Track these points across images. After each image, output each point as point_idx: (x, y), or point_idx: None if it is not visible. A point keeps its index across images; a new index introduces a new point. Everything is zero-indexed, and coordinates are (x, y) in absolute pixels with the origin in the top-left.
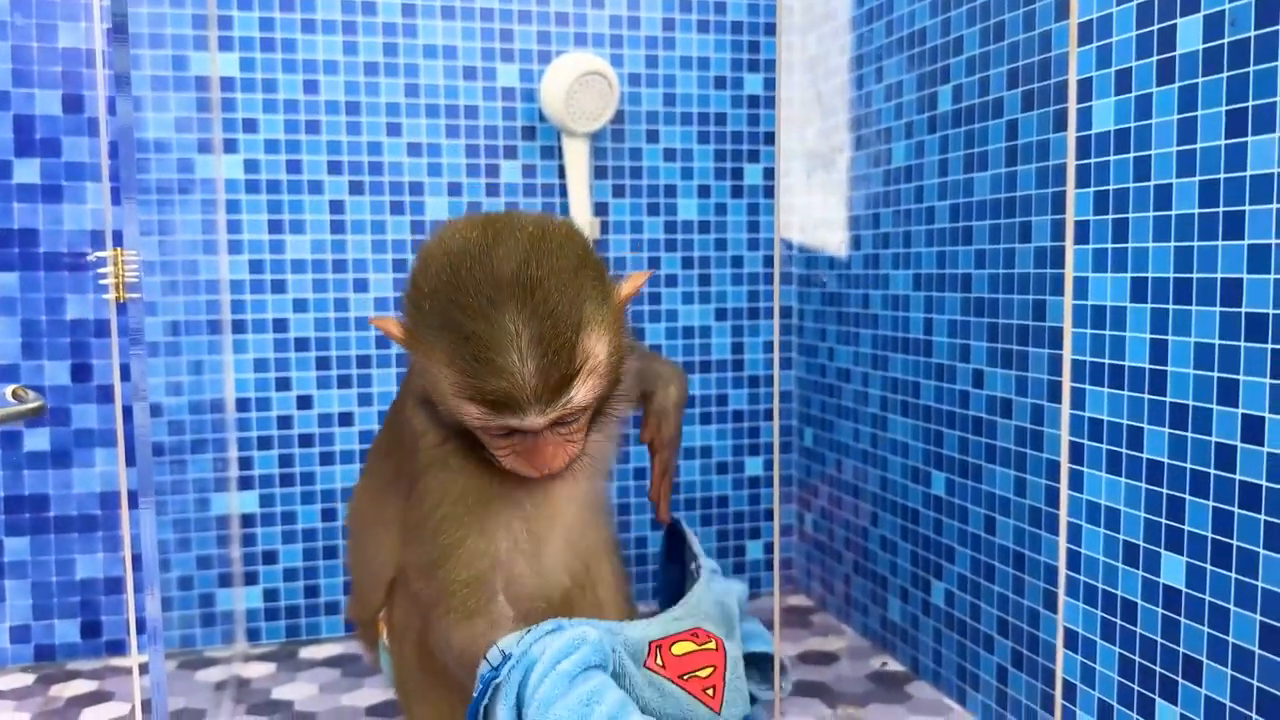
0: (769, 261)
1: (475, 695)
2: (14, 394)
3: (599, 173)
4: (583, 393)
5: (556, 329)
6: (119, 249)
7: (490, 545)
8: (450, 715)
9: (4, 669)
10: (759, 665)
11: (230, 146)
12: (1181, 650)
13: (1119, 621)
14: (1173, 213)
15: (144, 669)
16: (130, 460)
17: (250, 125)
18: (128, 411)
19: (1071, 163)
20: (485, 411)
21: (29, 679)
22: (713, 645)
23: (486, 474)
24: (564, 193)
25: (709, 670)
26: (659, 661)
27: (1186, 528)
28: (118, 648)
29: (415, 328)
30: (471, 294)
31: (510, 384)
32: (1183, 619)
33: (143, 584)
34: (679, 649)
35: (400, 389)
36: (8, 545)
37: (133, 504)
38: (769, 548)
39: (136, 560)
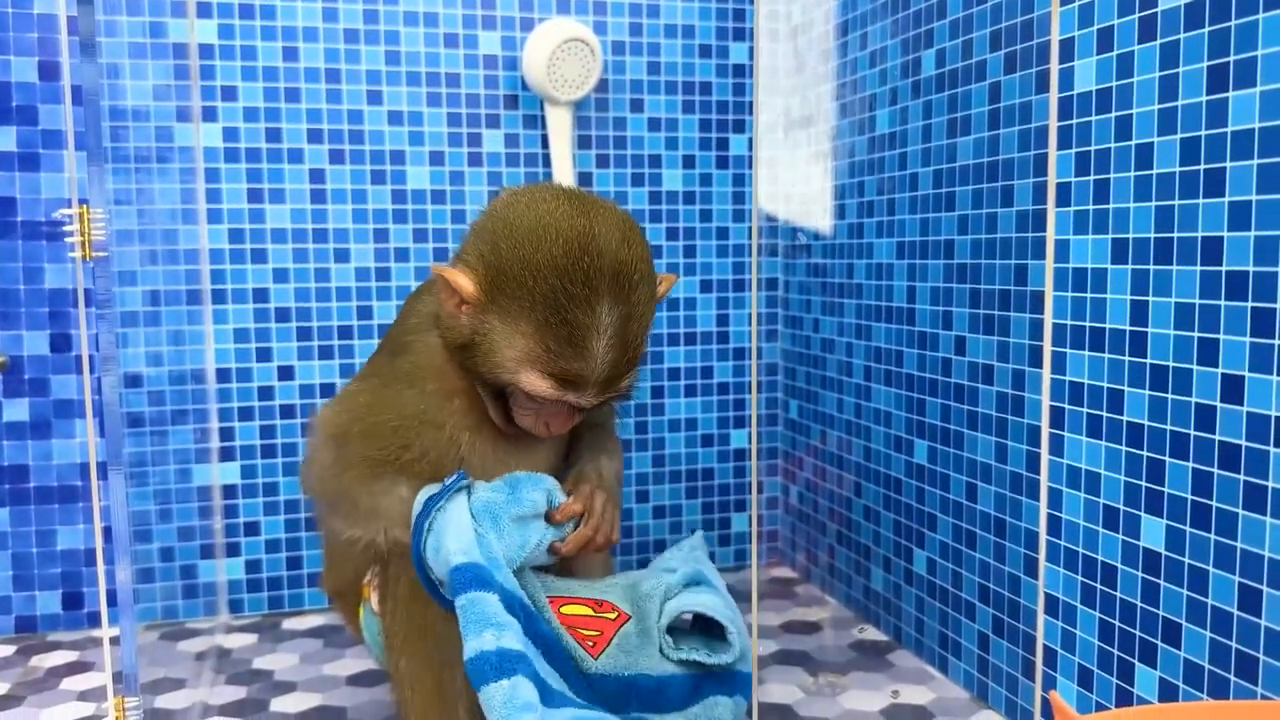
0: (753, 233)
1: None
2: None
3: (582, 142)
4: (627, 383)
5: (639, 326)
6: (85, 206)
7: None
8: (438, 670)
9: None
10: (707, 631)
11: (209, 114)
12: (1161, 614)
13: (1099, 586)
14: (1153, 172)
15: (116, 641)
16: (102, 430)
17: (229, 93)
18: (101, 382)
19: (1053, 124)
20: (554, 386)
21: (9, 650)
22: (613, 616)
23: (486, 430)
24: (547, 162)
25: (597, 632)
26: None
27: (1166, 490)
28: (99, 619)
29: (497, 292)
30: (581, 281)
31: (589, 368)
32: (1162, 582)
33: (112, 555)
34: (569, 610)
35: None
36: None
37: (103, 474)
38: (753, 520)
39: (108, 533)
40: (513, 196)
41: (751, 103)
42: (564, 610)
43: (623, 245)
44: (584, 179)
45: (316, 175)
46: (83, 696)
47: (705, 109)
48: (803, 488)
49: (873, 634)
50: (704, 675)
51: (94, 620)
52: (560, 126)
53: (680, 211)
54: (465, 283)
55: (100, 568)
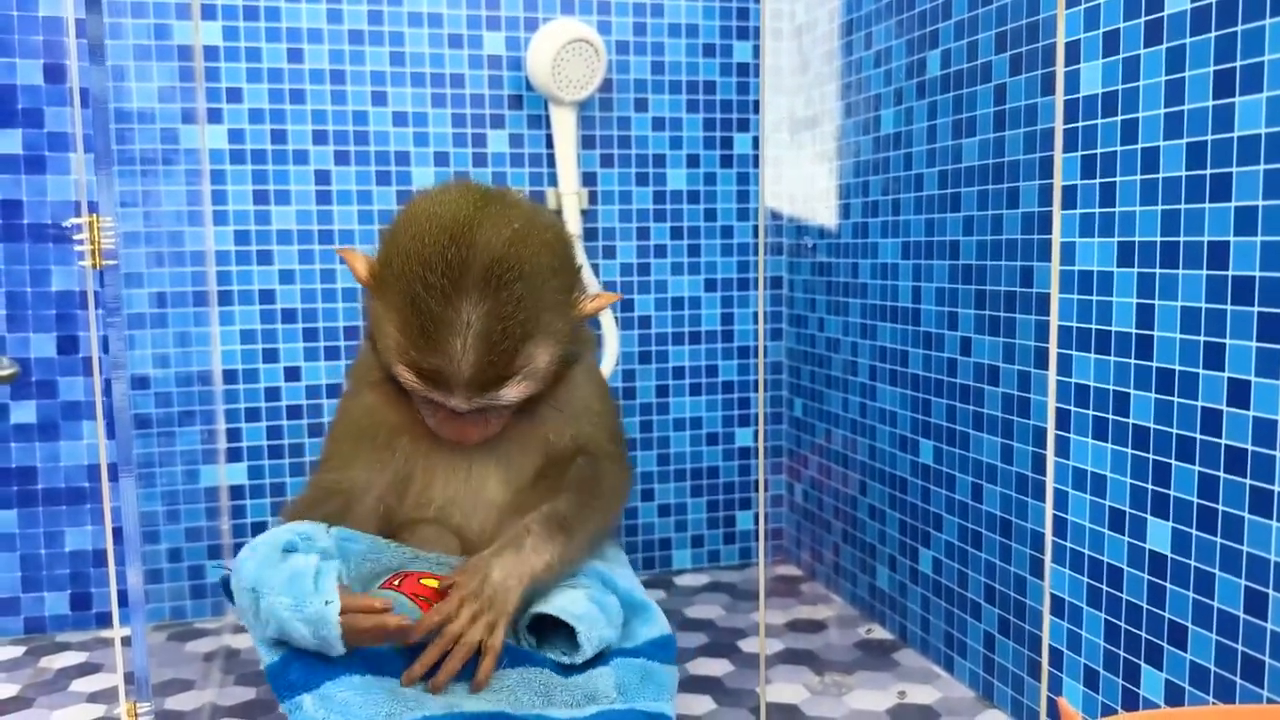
0: (758, 232)
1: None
2: None
3: (587, 142)
4: (512, 393)
5: (505, 332)
6: (94, 215)
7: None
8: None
9: None
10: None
11: (214, 116)
12: (1167, 616)
13: (1105, 588)
14: (1160, 176)
15: (127, 641)
16: (111, 432)
17: (234, 95)
18: (110, 384)
19: (1059, 126)
20: (419, 382)
21: (18, 651)
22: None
23: (406, 409)
24: (552, 162)
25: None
26: (395, 582)
27: (1172, 493)
28: (108, 620)
29: (382, 276)
30: (441, 271)
31: (446, 367)
32: (1168, 584)
33: (123, 557)
34: (429, 581)
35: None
36: None
37: (114, 476)
38: (759, 518)
39: (118, 534)
40: (433, 188)
41: (756, 102)
42: (423, 581)
43: (505, 243)
44: (588, 179)
45: (322, 176)
46: (93, 698)
47: (709, 108)
48: (807, 486)
49: (878, 633)
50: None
51: (102, 621)
52: (565, 126)
53: (685, 211)
54: (358, 264)
55: (111, 569)
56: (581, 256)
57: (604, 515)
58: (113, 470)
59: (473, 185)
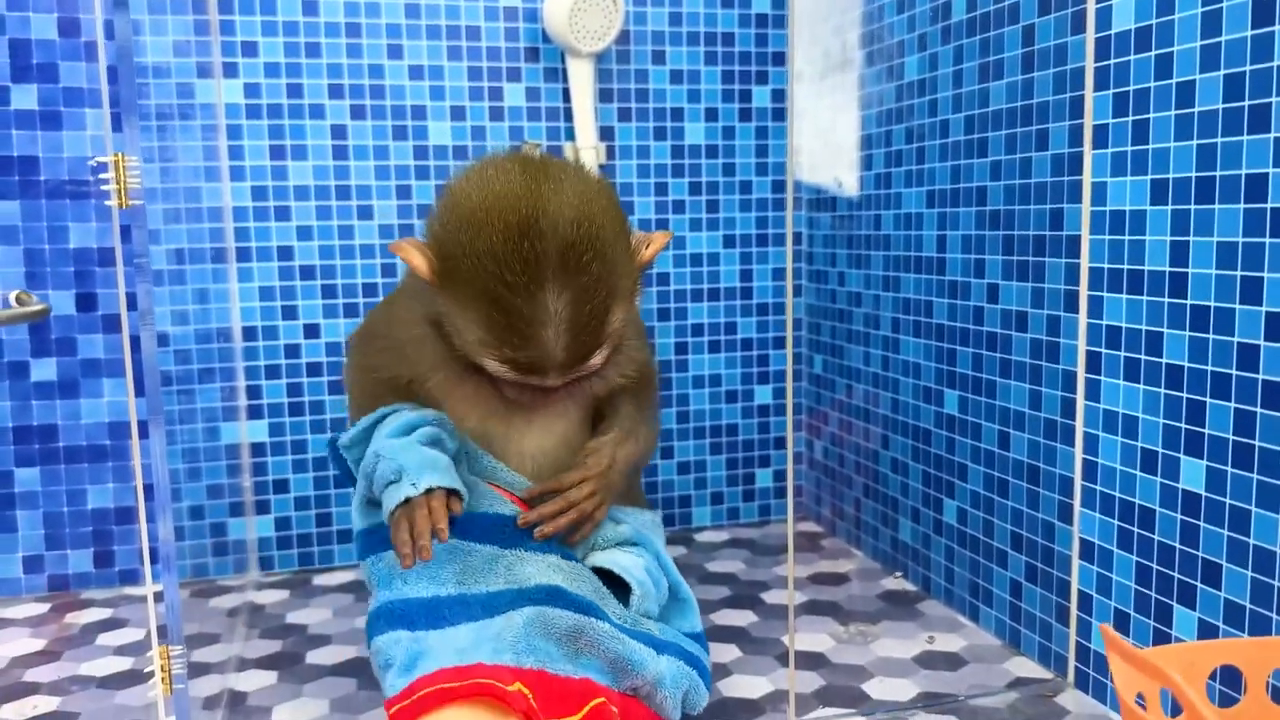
0: (778, 187)
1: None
2: (17, 299)
3: (604, 95)
4: (599, 359)
5: (592, 312)
6: (120, 153)
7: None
8: None
9: (19, 598)
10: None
11: (230, 70)
12: (1200, 555)
13: (1136, 530)
14: (1195, 110)
15: (159, 597)
16: (139, 389)
17: (249, 49)
18: (136, 340)
19: (1090, 65)
20: (513, 371)
21: (43, 608)
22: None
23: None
24: (569, 116)
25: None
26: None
27: (1207, 431)
28: (131, 577)
29: (446, 271)
30: (519, 269)
31: (542, 356)
32: (1202, 523)
33: (153, 513)
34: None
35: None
36: (18, 476)
37: (142, 434)
38: (779, 475)
39: (147, 490)
40: (468, 170)
41: (776, 53)
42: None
43: (572, 225)
44: (606, 133)
45: (338, 131)
46: (120, 651)
47: (728, 60)
48: (827, 442)
49: (902, 583)
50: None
51: (126, 578)
52: (582, 80)
53: (703, 166)
54: (420, 262)
55: (143, 524)
56: None
57: (657, 422)
58: (142, 427)
59: (511, 162)
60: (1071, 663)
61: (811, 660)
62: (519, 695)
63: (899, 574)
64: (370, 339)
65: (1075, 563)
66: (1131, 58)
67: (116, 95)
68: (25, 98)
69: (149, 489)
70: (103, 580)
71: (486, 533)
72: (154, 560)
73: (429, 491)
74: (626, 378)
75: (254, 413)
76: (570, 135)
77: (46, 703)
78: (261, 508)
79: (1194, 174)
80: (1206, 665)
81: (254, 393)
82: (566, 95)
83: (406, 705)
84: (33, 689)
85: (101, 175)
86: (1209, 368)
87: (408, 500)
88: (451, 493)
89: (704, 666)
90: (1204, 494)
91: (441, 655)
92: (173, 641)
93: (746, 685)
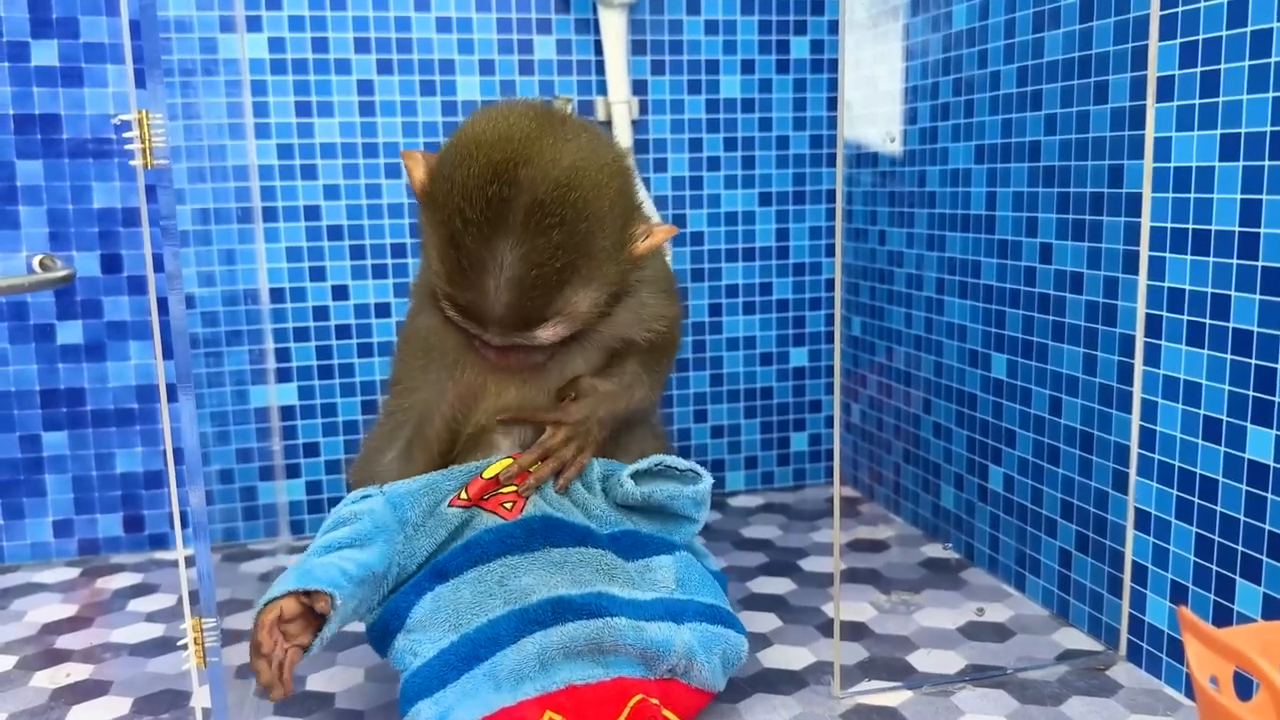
0: (817, 142)
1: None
2: (41, 263)
3: (637, 48)
4: (546, 334)
5: (539, 278)
6: (144, 110)
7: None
8: None
9: (49, 563)
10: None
11: (254, 25)
12: (1267, 528)
13: (1197, 500)
14: (1272, 60)
15: (190, 562)
16: (167, 353)
17: (273, 2)
18: (163, 303)
19: (1155, 12)
20: (452, 308)
21: (74, 573)
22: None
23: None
24: (600, 70)
25: (511, 504)
26: (463, 495)
27: (1278, 399)
28: (160, 541)
29: (432, 193)
30: (480, 209)
31: (480, 303)
32: (1269, 495)
33: (183, 478)
34: (490, 472)
35: None
36: (46, 440)
37: (171, 397)
38: (814, 439)
39: (177, 454)
40: (494, 106)
41: (814, 2)
42: (484, 473)
43: (554, 185)
44: (638, 87)
45: (365, 87)
46: (151, 618)
47: (765, 9)
48: (866, 406)
49: (949, 553)
50: (645, 535)
51: (156, 543)
52: (614, 31)
53: (739, 120)
54: (418, 174)
55: (173, 488)
56: (642, 192)
57: (659, 387)
58: (171, 392)
59: (532, 108)
60: (1124, 635)
61: (854, 630)
62: None
63: (948, 545)
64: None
65: (1130, 533)
66: (1201, 4)
67: (140, 50)
68: (46, 54)
69: (179, 454)
70: (133, 545)
71: (470, 558)
72: (184, 525)
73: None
74: (652, 332)
75: (283, 375)
76: (602, 89)
77: (79, 670)
78: (292, 471)
79: (1269, 129)
80: None
81: (282, 355)
82: (598, 48)
83: None
84: (65, 656)
85: (125, 134)
86: None
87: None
88: (308, 593)
89: (729, 616)
90: (1272, 464)
91: (465, 711)
92: (206, 613)
93: (787, 656)
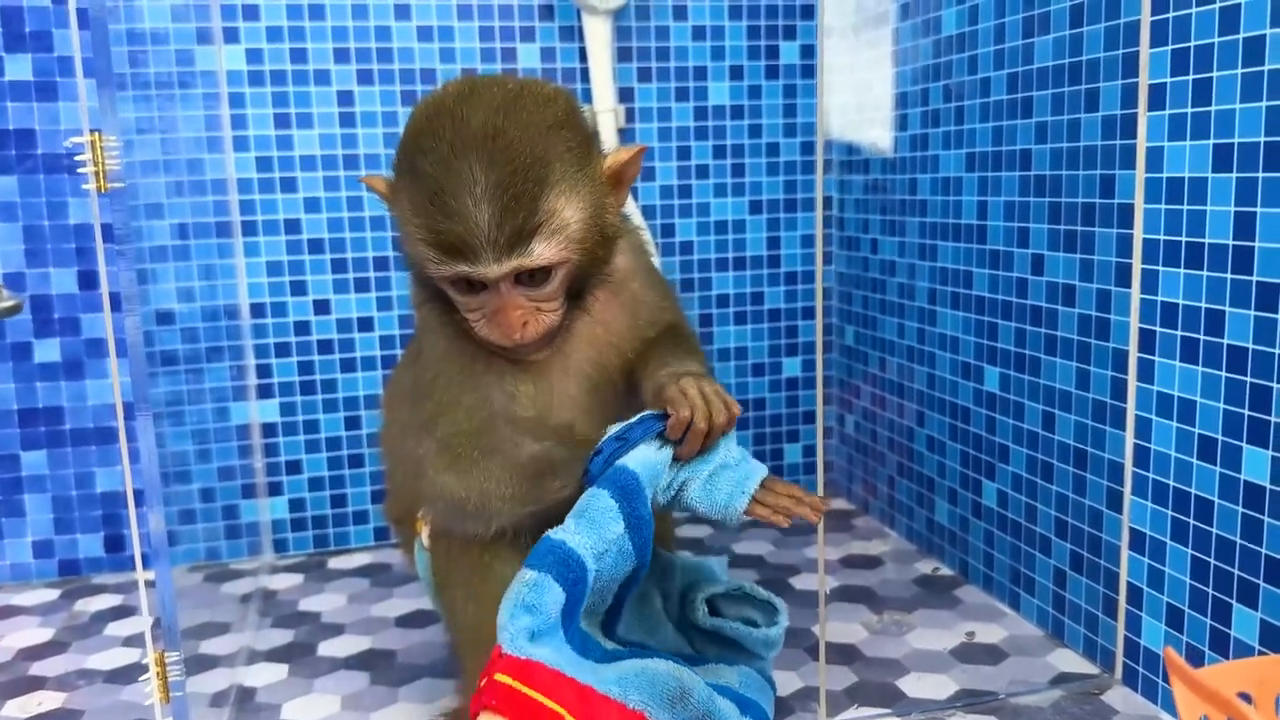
0: (807, 149)
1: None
2: None
3: (623, 55)
4: (544, 249)
5: (516, 178)
6: (96, 132)
7: (485, 401)
8: (493, 608)
9: (29, 584)
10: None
11: (231, 36)
12: (1264, 551)
13: (1192, 521)
14: (1265, 68)
15: (151, 585)
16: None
17: (251, 12)
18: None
19: (1146, 18)
20: (440, 256)
21: (54, 594)
22: None
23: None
24: (585, 77)
25: None
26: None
27: (1273, 419)
28: (143, 561)
29: (395, 184)
30: (436, 141)
31: (464, 228)
32: (1266, 518)
33: (143, 501)
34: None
35: None
36: (24, 459)
37: (130, 416)
38: (808, 450)
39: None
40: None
41: (804, 6)
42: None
43: (504, 105)
44: (625, 94)
45: (345, 97)
46: (128, 642)
47: (753, 15)
48: (859, 417)
49: (942, 570)
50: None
51: (145, 561)
52: (599, 38)
53: (728, 128)
54: (376, 181)
55: (132, 512)
56: (631, 204)
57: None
58: (129, 410)
59: (466, 76)
60: (1119, 658)
61: (843, 653)
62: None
63: (936, 568)
64: (407, 396)
65: (1124, 553)
66: (1193, 10)
67: (90, 66)
68: (19, 68)
69: (140, 486)
70: (114, 564)
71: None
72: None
73: None
74: (659, 323)
75: (264, 392)
76: (587, 97)
77: (51, 699)
78: (274, 489)
79: (1262, 139)
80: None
81: (264, 371)
82: (583, 55)
83: (508, 685)
84: (39, 683)
85: (77, 157)
86: (1277, 350)
87: None
88: None
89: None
90: (1269, 486)
91: (559, 658)
92: (169, 645)
93: (775, 682)
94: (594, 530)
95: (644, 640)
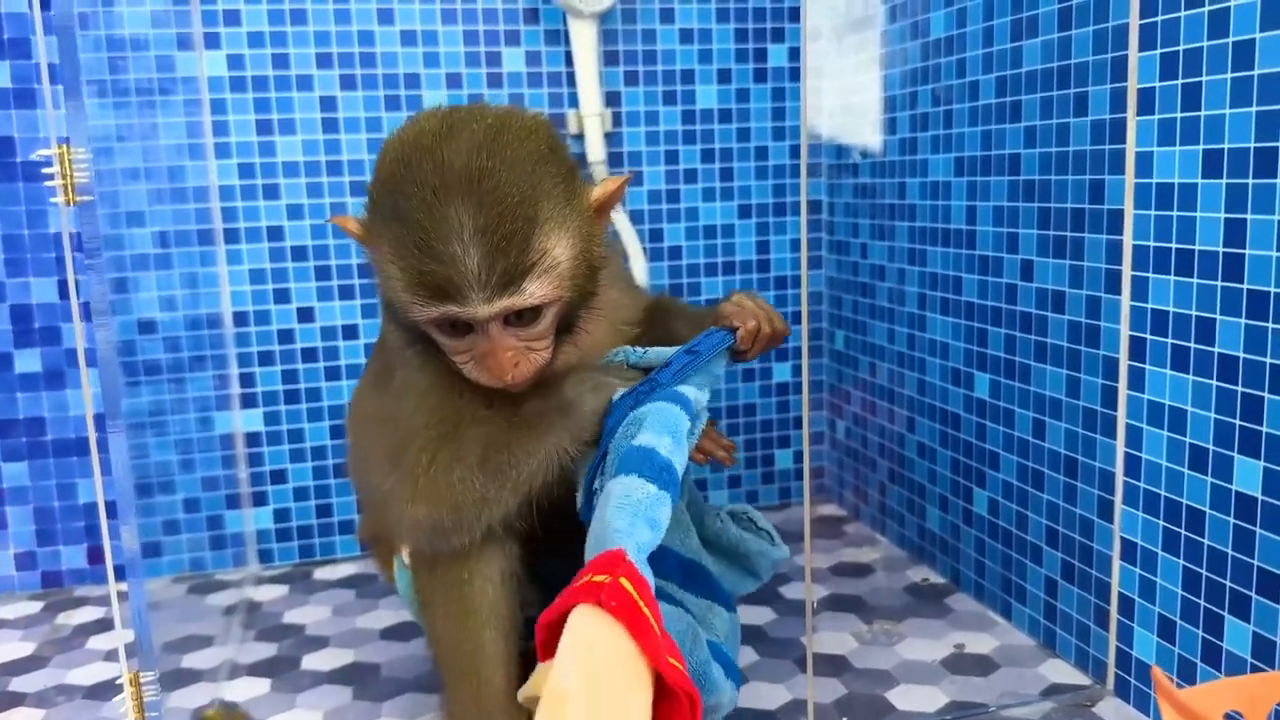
0: (796, 152)
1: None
2: None
3: (609, 59)
4: (536, 288)
5: (505, 220)
6: (64, 146)
7: (457, 427)
8: (476, 629)
9: (12, 595)
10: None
11: (212, 41)
12: (1256, 563)
13: (1184, 532)
14: (1255, 73)
15: (123, 596)
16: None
17: (232, 17)
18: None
19: (1135, 21)
20: (427, 299)
21: (36, 607)
22: None
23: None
24: (572, 81)
25: None
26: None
27: (1265, 429)
28: (123, 574)
29: (370, 224)
30: (419, 184)
31: (452, 271)
32: (1258, 529)
33: (114, 513)
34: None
35: None
36: (6, 470)
37: (100, 427)
38: (798, 456)
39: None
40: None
41: (792, 9)
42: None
43: (486, 142)
44: (612, 99)
45: (328, 103)
46: (108, 657)
47: (741, 18)
48: (850, 422)
49: (932, 579)
50: (713, 577)
51: (120, 575)
52: (585, 42)
53: (716, 131)
54: (351, 225)
55: (104, 526)
56: (617, 211)
57: None
58: (99, 422)
59: (439, 107)
60: (1111, 669)
61: (832, 665)
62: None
63: (926, 579)
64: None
65: (1116, 563)
66: (1182, 14)
67: (56, 73)
68: None
69: (114, 499)
70: (97, 576)
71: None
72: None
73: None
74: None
75: (248, 401)
76: (574, 102)
77: (29, 716)
78: (259, 499)
79: (1252, 144)
80: (1271, 698)
81: (247, 380)
82: (569, 59)
83: (628, 592)
84: (18, 700)
85: (45, 170)
86: (1268, 360)
87: None
88: None
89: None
90: (1260, 497)
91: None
92: (144, 666)
93: (763, 694)
94: (679, 451)
95: (683, 540)
